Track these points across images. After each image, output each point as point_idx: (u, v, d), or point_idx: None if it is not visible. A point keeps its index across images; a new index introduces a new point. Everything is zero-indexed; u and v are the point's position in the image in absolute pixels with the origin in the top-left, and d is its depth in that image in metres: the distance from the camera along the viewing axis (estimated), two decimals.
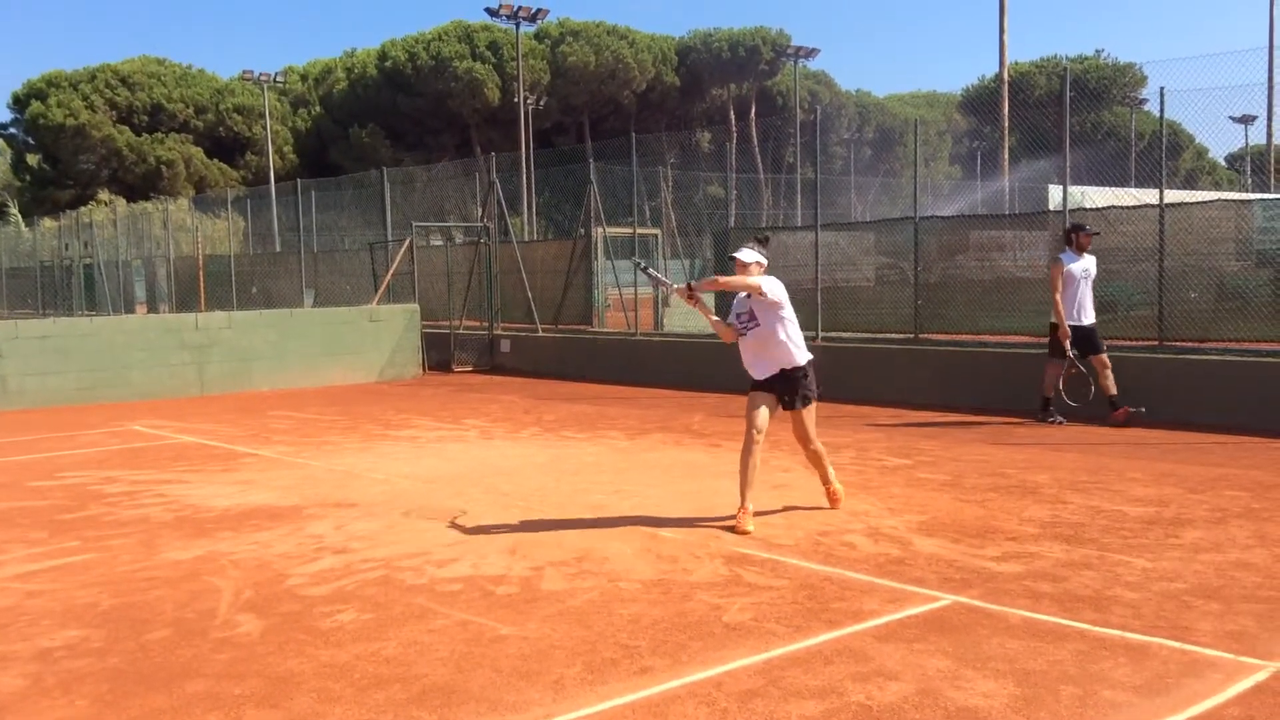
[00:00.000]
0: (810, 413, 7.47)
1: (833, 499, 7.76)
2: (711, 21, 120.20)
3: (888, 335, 14.58)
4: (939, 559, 6.35)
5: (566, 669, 4.74)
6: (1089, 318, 11.41)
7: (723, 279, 7.50)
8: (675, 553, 6.61)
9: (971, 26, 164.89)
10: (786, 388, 7.38)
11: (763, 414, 7.38)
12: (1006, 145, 31.18)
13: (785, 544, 6.77)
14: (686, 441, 11.05)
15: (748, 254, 7.30)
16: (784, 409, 7.44)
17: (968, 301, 14.25)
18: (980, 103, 53.93)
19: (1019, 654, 4.79)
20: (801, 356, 7.40)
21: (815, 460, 7.70)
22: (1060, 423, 11.43)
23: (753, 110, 66.53)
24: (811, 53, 60.84)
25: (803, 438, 7.56)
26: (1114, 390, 11.27)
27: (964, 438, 10.85)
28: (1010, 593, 5.67)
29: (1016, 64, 56.43)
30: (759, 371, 7.46)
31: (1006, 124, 31.31)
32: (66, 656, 5.08)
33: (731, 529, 7.13)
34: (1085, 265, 11.44)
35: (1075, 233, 11.54)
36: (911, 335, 14.19)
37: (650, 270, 8.09)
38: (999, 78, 32.78)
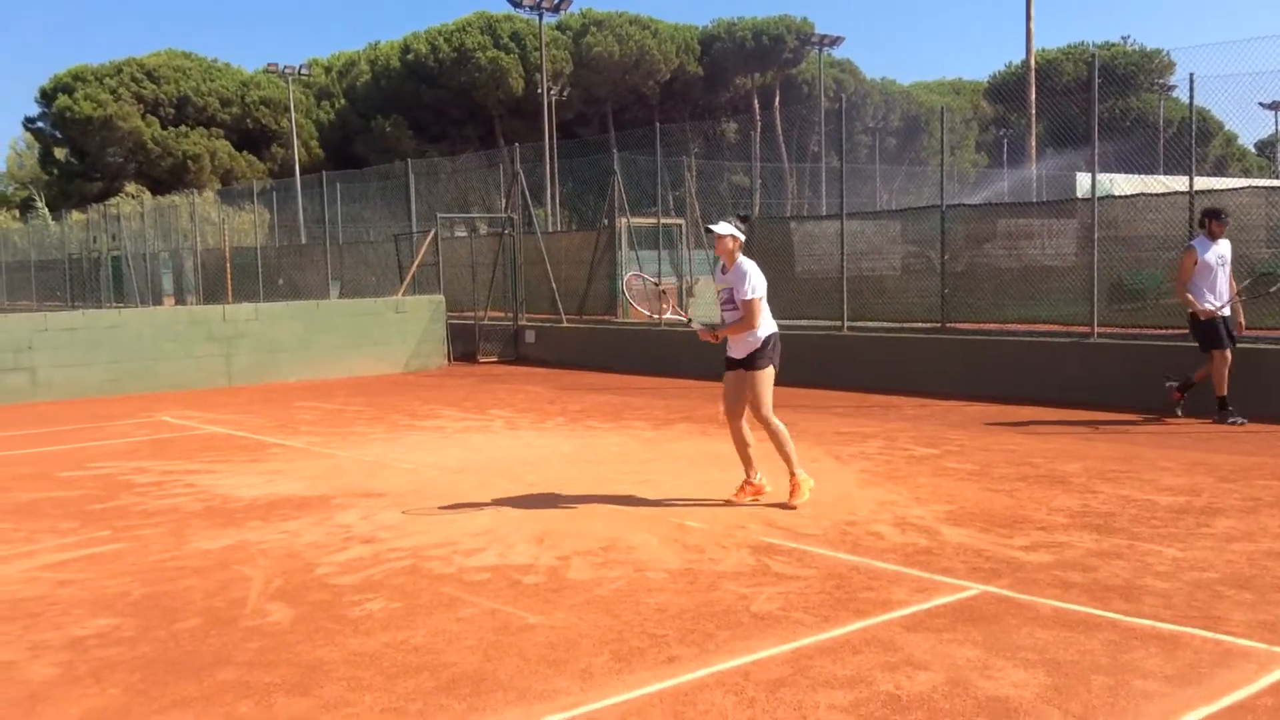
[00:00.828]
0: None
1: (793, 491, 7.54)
2: (735, 10, 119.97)
3: (914, 324, 14.51)
4: (967, 548, 6.31)
5: (594, 658, 4.74)
6: (1225, 308, 10.65)
7: (734, 329, 7.46)
8: (701, 542, 6.60)
9: (997, 13, 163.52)
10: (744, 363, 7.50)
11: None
12: (1034, 133, 30.94)
13: (812, 533, 6.75)
14: (712, 431, 11.02)
15: (724, 226, 7.40)
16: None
17: (995, 290, 14.15)
18: (1007, 90, 53.57)
19: (1049, 644, 4.76)
20: (760, 334, 7.41)
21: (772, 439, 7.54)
22: (1242, 423, 10.41)
23: (777, 99, 66.28)
24: (836, 41, 60.46)
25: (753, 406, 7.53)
26: (1222, 391, 10.57)
27: (992, 427, 10.78)
28: (1040, 582, 5.63)
29: (1043, 51, 56.02)
30: (735, 351, 7.56)
31: (1034, 111, 31.08)
32: (98, 645, 5.12)
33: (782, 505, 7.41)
34: (1221, 252, 10.70)
35: (1210, 219, 10.75)
36: (938, 324, 14.11)
37: (692, 320, 8.08)
38: (1026, 65, 32.54)
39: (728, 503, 7.63)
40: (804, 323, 15.63)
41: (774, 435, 7.49)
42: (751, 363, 7.42)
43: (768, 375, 7.43)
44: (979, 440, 10.02)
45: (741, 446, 7.66)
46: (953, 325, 14.05)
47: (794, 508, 7.38)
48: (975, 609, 5.25)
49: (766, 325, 7.41)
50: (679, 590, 5.66)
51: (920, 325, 14.40)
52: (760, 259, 16.54)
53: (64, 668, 4.84)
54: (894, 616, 5.17)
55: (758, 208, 17.67)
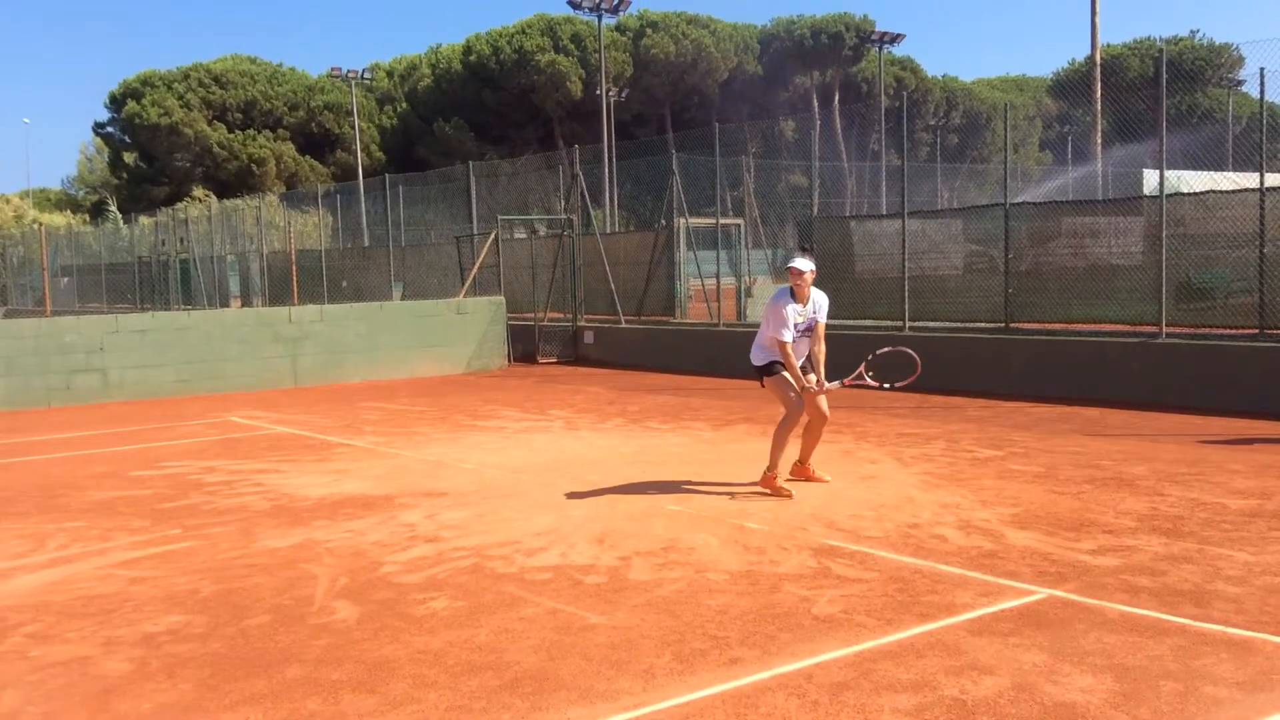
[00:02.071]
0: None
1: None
2: (794, 9, 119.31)
3: (977, 324, 14.34)
4: (1033, 552, 6.24)
5: (656, 658, 4.75)
6: None
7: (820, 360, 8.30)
8: (762, 544, 6.59)
9: (1061, 8, 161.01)
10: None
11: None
12: (1099, 129, 30.44)
13: (874, 536, 6.71)
14: (772, 433, 10.97)
15: (804, 263, 8.01)
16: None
17: (1060, 289, 13.93)
18: (1071, 86, 52.73)
19: (1117, 649, 4.69)
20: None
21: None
22: None
23: (836, 98, 65.84)
24: (896, 38, 59.97)
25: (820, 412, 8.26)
26: None
27: (1057, 428, 10.63)
28: (1107, 587, 5.55)
29: (1108, 46, 55.13)
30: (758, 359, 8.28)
31: (1099, 107, 30.57)
32: (170, 641, 5.23)
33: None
34: None
35: None
36: (1002, 324, 13.94)
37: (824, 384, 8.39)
38: (1091, 60, 32.02)
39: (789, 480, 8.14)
40: (865, 323, 15.52)
41: (782, 437, 8.09)
42: (767, 370, 8.13)
43: (780, 378, 8.07)
44: (1044, 442, 9.89)
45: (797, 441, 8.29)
46: (1017, 325, 13.87)
47: (759, 487, 8.01)
48: (1041, 613, 5.19)
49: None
50: (740, 592, 5.66)
51: (983, 325, 14.23)
52: (820, 259, 16.45)
53: (137, 663, 4.95)
54: (958, 620, 5.12)
55: (816, 207, 17.55)
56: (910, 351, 8.32)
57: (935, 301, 15.01)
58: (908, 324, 14.55)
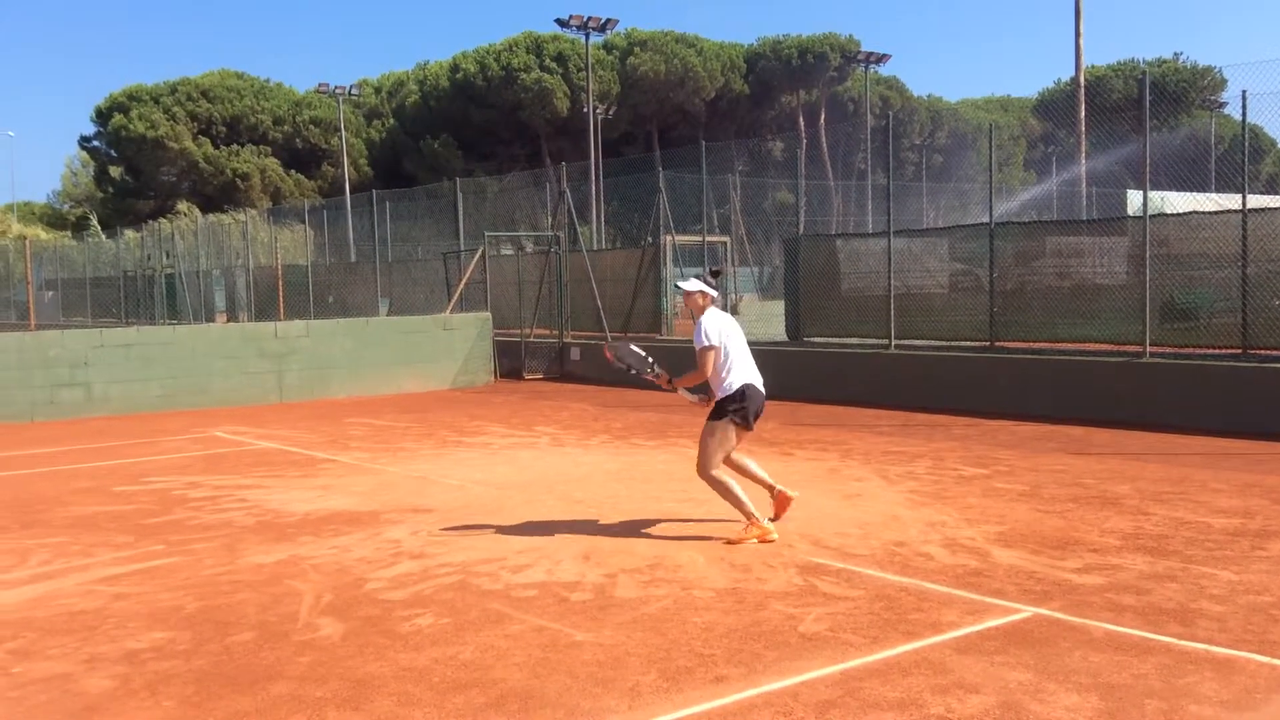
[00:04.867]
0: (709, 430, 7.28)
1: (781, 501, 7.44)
2: (780, 29, 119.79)
3: (962, 343, 14.41)
4: (1019, 570, 6.25)
5: (642, 676, 4.75)
6: None
7: (687, 378, 7.49)
8: (748, 561, 6.59)
9: (1046, 30, 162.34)
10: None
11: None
12: (1084, 150, 30.65)
13: (861, 554, 6.72)
14: (758, 450, 10.99)
15: (692, 283, 7.44)
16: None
17: (1045, 309, 14.02)
18: (1055, 107, 53.15)
19: (1102, 667, 4.71)
20: (724, 388, 7.23)
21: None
22: None
23: (822, 117, 66.17)
24: (882, 58, 60.41)
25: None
26: None
27: (1042, 447, 10.67)
28: (1092, 605, 5.57)
29: (1093, 67, 55.56)
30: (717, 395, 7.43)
31: (1083, 128, 30.80)
32: (153, 658, 5.20)
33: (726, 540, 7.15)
34: None
35: None
36: (987, 343, 14.01)
37: (650, 372, 7.94)
38: (1075, 81, 32.28)
39: (773, 519, 7.49)
40: (850, 341, 15.57)
41: (717, 487, 7.22)
42: (715, 410, 7.26)
43: (721, 426, 7.19)
44: (1029, 460, 9.92)
45: (750, 478, 7.42)
46: (1002, 344, 13.94)
47: (735, 543, 7.04)
48: (1027, 631, 5.20)
49: (740, 377, 7.22)
50: (726, 609, 5.65)
51: (968, 344, 14.30)
52: (806, 277, 16.49)
53: (120, 680, 4.92)
54: (944, 638, 5.13)
55: (803, 225, 17.62)
56: (610, 355, 8.19)
57: (921, 320, 15.07)
58: (893, 342, 14.60)
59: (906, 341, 14.77)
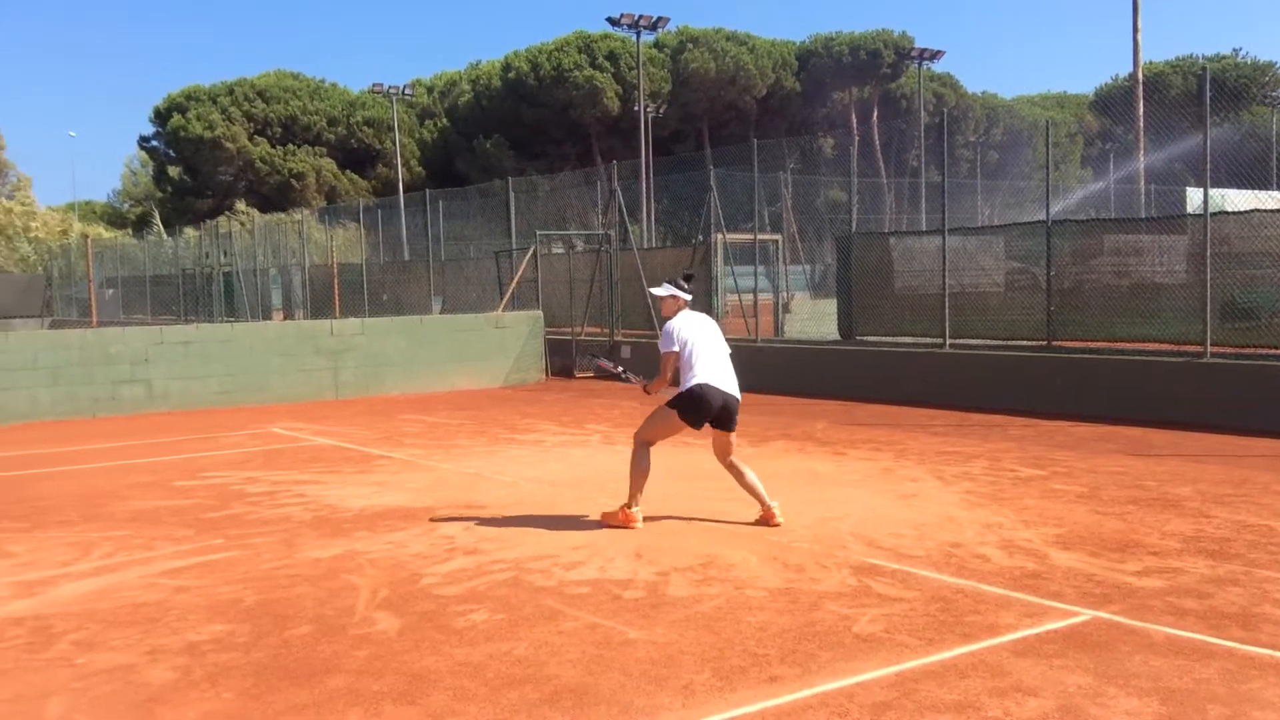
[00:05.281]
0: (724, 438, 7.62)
1: (768, 517, 7.58)
2: (832, 25, 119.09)
3: (1018, 342, 14.24)
4: (1077, 573, 6.17)
5: (695, 675, 4.74)
6: None
7: (656, 383, 7.74)
8: (801, 561, 6.56)
9: (1103, 25, 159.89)
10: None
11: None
12: (1142, 147, 30.16)
13: (916, 555, 6.66)
14: (810, 449, 10.96)
15: (663, 289, 7.70)
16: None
17: (1103, 308, 13.81)
18: (1113, 103, 52.39)
19: (1163, 672, 4.63)
20: (683, 385, 7.49)
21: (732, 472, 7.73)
22: None
23: (875, 114, 65.70)
24: (936, 55, 59.78)
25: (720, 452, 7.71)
26: None
27: (1100, 448, 10.52)
28: (1153, 609, 5.48)
29: (1150, 64, 54.65)
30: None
31: (1141, 125, 30.30)
32: (213, 650, 5.28)
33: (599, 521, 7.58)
34: None
35: None
36: (1044, 342, 13.83)
37: (624, 373, 8.27)
38: (1133, 77, 31.77)
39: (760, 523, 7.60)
40: (904, 340, 15.45)
41: (631, 460, 7.60)
42: (672, 400, 7.53)
43: (670, 414, 7.48)
44: (1087, 461, 9.78)
45: (745, 488, 7.70)
46: (1059, 343, 13.76)
47: (604, 524, 7.57)
48: (1086, 635, 5.13)
49: (701, 376, 7.41)
50: (779, 609, 5.63)
51: (1025, 343, 14.13)
52: (859, 276, 16.37)
53: (181, 672, 5.00)
54: (1002, 641, 5.07)
55: (856, 223, 17.52)
56: (605, 364, 8.49)
57: (976, 319, 14.92)
58: (948, 341, 14.47)
59: (961, 340, 14.62)
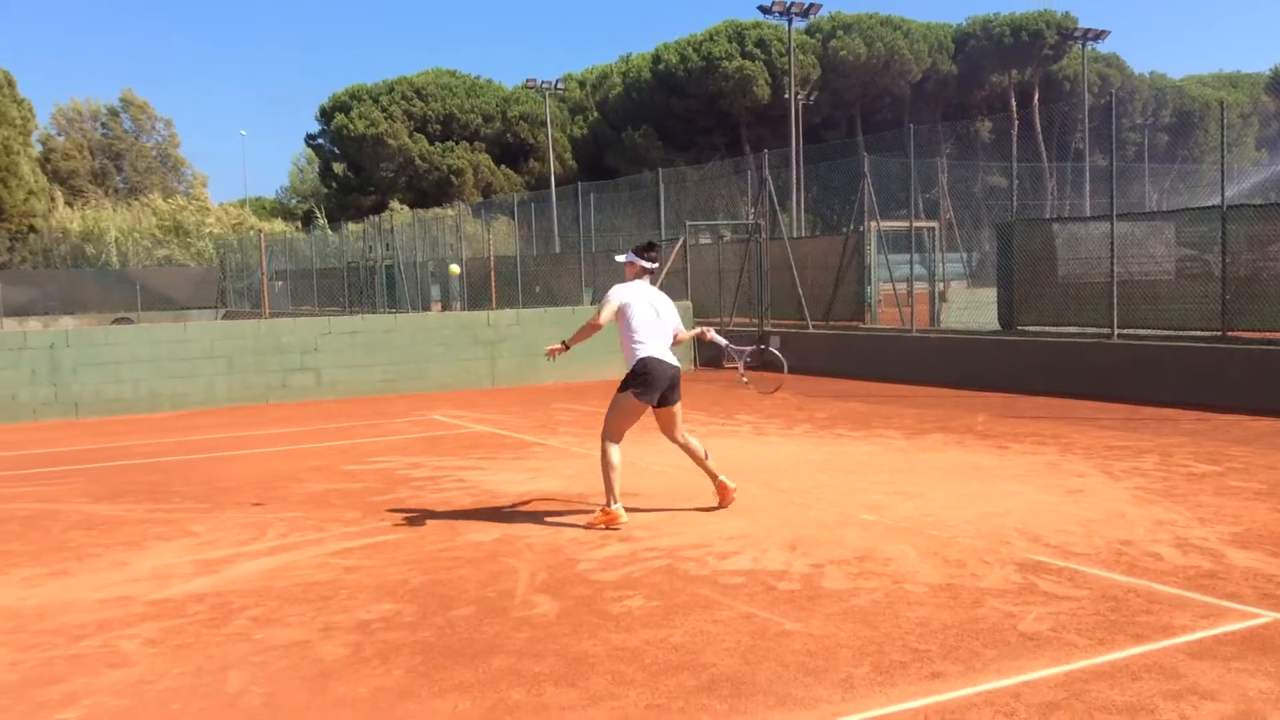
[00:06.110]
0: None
1: (723, 496, 7.73)
2: (991, 6, 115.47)
3: (1191, 332, 13.59)
4: (1257, 573, 5.87)
5: (854, 668, 4.69)
6: None
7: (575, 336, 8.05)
8: (962, 557, 6.42)
9: (1277, 2, 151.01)
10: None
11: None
12: None
13: (1084, 553, 6.44)
14: (970, 442, 10.69)
15: (626, 255, 7.93)
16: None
17: None
18: None
19: None
20: (630, 360, 7.70)
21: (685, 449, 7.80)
22: None
23: (1035, 97, 63.59)
24: (1100, 34, 57.44)
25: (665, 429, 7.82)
26: None
27: (1279, 443, 9.97)
28: None
29: None
30: None
31: None
32: (382, 628, 5.47)
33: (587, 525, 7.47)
34: None
35: None
36: (1219, 332, 13.18)
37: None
38: None
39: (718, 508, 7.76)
40: (1069, 329, 14.92)
41: (602, 459, 7.53)
42: (621, 383, 7.66)
43: (624, 399, 7.61)
44: (1266, 457, 9.29)
45: (697, 463, 7.80)
46: (1234, 333, 13.09)
47: (589, 527, 7.43)
48: (1267, 638, 4.88)
49: (641, 349, 7.59)
50: (940, 605, 5.52)
51: (1197, 333, 13.48)
52: (1020, 263, 15.89)
53: (352, 648, 5.20)
54: (1176, 642, 4.87)
55: (1016, 209, 17.01)
56: (775, 356, 8.63)
57: (1145, 308, 14.30)
58: (1116, 331, 13.92)
59: (1129, 330, 14.05)
